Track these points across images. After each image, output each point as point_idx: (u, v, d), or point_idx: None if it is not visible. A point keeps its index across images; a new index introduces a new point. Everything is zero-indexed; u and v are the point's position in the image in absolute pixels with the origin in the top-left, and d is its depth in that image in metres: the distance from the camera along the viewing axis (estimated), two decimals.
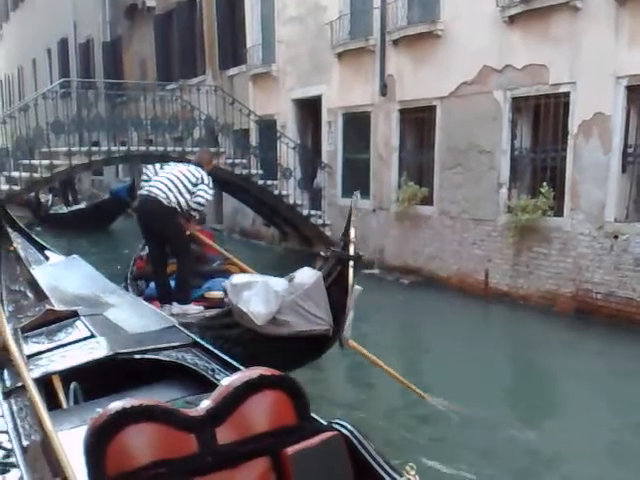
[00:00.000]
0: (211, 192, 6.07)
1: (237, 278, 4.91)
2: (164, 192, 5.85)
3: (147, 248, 6.66)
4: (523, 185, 8.48)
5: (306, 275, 4.58)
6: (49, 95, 11.37)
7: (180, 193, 5.87)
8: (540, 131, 8.27)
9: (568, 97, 7.67)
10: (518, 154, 8.49)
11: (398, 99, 10.10)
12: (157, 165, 6.36)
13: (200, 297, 6.31)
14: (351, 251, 4.34)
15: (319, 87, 11.85)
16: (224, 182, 12.13)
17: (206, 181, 5.98)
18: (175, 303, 6.00)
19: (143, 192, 6.05)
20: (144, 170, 6.42)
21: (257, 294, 4.57)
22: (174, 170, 6.06)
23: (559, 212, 7.86)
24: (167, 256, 6.30)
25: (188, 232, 6.30)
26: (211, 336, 4.29)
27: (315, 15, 11.66)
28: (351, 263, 4.32)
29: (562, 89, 7.72)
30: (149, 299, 5.91)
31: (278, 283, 4.61)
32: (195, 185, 5.90)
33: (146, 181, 6.15)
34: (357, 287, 4.56)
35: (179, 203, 5.87)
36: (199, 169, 6.08)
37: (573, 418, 5.13)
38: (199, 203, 5.97)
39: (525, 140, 8.44)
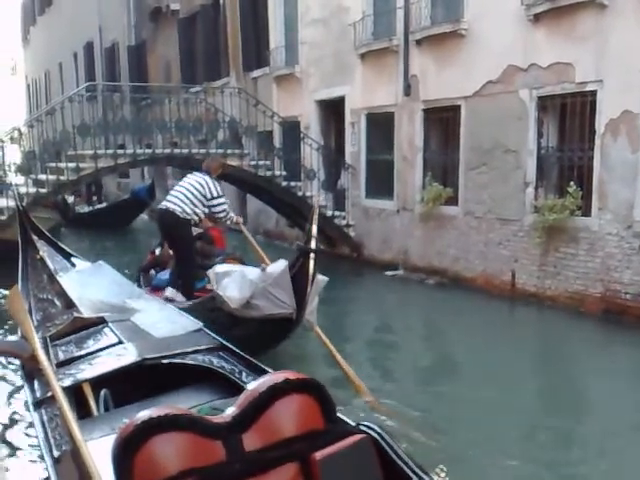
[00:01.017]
0: (223, 200, 6.85)
1: (219, 267, 5.68)
2: (179, 206, 6.66)
3: (166, 246, 7.48)
4: (550, 184, 8.39)
5: (276, 266, 5.25)
6: (75, 98, 11.50)
7: (194, 205, 6.68)
8: (567, 130, 8.17)
9: (595, 95, 7.56)
10: (544, 153, 8.40)
11: (422, 99, 10.05)
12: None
13: (202, 288, 6.85)
14: (312, 245, 5.04)
15: (342, 88, 11.83)
16: (247, 183, 12.19)
17: (215, 193, 6.76)
18: (169, 288, 6.76)
19: (162, 206, 6.88)
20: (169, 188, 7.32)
21: (234, 281, 5.26)
22: (185, 184, 6.86)
23: (587, 212, 7.76)
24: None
25: (201, 228, 7.33)
26: (204, 317, 4.77)
27: (338, 16, 11.64)
28: (312, 255, 4.99)
29: (589, 87, 7.62)
30: (155, 289, 6.84)
31: (253, 272, 5.34)
32: (207, 199, 6.72)
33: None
34: (323, 277, 5.39)
35: (195, 212, 6.70)
36: (207, 177, 6.83)
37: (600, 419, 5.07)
38: (221, 216, 6.90)
39: (552, 139, 8.34)
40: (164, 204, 6.84)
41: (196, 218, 6.73)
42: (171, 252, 7.26)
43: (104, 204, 19.47)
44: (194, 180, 6.83)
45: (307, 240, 5.14)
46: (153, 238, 8.44)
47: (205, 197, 6.68)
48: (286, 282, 5.06)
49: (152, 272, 7.50)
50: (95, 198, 20.27)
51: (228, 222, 7.08)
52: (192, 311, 5.24)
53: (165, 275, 7.15)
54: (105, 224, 16.38)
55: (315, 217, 5.21)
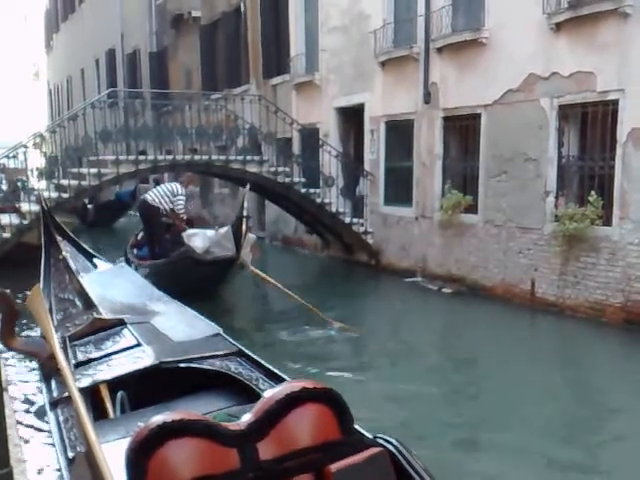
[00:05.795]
0: (183, 198, 9.55)
1: (190, 230, 8.84)
2: (152, 198, 9.55)
3: (144, 230, 10.36)
4: (570, 193, 8.32)
5: (224, 228, 8.47)
6: (97, 105, 11.58)
7: (163, 199, 9.47)
8: (588, 139, 8.11)
9: (617, 104, 7.50)
10: (565, 162, 8.34)
11: (442, 107, 10.04)
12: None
13: None
14: (244, 213, 8.25)
15: (362, 95, 11.84)
16: (266, 190, 12.23)
17: (179, 193, 9.52)
18: None
19: (142, 197, 9.97)
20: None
21: (198, 237, 8.39)
22: (162, 186, 9.88)
23: (608, 221, 7.68)
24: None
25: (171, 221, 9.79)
26: (180, 264, 8.55)
27: (359, 24, 11.67)
28: (244, 219, 8.22)
29: (610, 96, 7.56)
30: (140, 258, 9.77)
31: (210, 232, 8.53)
32: (173, 195, 9.48)
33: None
34: (252, 235, 8.70)
35: (162, 204, 9.45)
36: (179, 186, 9.67)
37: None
38: (179, 208, 9.52)
39: (572, 148, 8.29)
40: (143, 196, 9.94)
41: (162, 208, 9.43)
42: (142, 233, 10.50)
43: (89, 205, 19.74)
44: (169, 184, 9.89)
45: (241, 210, 8.29)
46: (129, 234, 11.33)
47: (172, 194, 9.46)
48: (229, 236, 8.23)
49: (135, 250, 10.31)
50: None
51: (184, 218, 9.70)
52: (171, 263, 8.79)
53: (145, 249, 10.04)
54: (93, 223, 17.47)
55: (246, 195, 8.48)
